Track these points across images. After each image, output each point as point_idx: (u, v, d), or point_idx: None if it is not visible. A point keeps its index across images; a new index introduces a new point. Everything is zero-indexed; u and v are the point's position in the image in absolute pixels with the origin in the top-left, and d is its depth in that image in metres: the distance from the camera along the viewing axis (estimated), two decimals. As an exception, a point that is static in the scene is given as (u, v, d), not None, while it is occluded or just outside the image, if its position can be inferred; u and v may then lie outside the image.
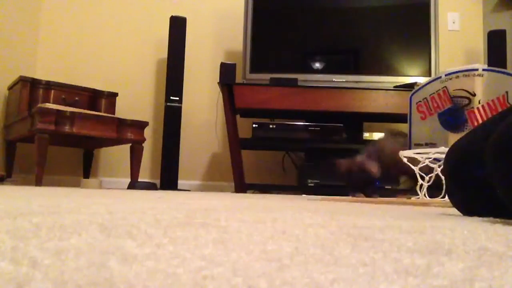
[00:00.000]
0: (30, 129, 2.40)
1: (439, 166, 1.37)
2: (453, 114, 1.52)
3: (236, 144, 2.69)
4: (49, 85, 2.72)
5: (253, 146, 2.77)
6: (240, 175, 2.72)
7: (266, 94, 2.62)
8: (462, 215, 0.78)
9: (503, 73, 1.45)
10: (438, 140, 1.55)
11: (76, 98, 2.77)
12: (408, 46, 2.84)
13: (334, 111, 2.62)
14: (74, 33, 3.23)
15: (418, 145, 1.59)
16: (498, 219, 0.68)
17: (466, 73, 1.49)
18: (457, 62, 3.24)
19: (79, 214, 0.56)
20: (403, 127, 3.13)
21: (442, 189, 1.43)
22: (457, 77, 1.51)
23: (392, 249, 0.34)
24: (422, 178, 1.44)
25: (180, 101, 2.81)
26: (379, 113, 2.62)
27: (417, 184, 1.46)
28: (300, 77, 2.73)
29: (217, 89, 3.12)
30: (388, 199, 1.54)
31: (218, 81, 2.66)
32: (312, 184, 2.56)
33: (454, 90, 1.52)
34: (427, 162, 1.41)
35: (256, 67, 2.80)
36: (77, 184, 2.98)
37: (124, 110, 3.13)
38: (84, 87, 2.85)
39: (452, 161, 0.78)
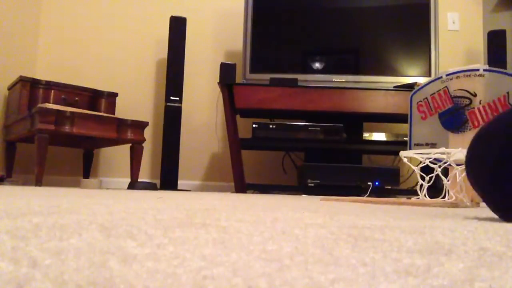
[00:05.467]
0: (30, 129, 2.40)
1: (440, 167, 1.37)
2: (453, 114, 1.51)
3: (236, 144, 2.69)
4: (49, 85, 2.72)
5: (253, 146, 2.77)
6: (240, 175, 2.72)
7: (266, 94, 2.62)
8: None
9: (504, 73, 1.45)
10: (439, 140, 1.55)
11: (76, 98, 2.77)
12: (408, 46, 2.84)
13: (334, 111, 2.62)
14: (74, 33, 3.24)
15: (419, 145, 1.59)
16: (498, 219, 0.67)
17: (467, 73, 1.50)
18: (457, 62, 3.24)
19: (79, 214, 0.56)
20: (403, 127, 3.14)
21: (442, 189, 1.43)
22: (458, 77, 1.51)
23: (392, 249, 0.34)
24: (422, 178, 1.44)
25: (180, 101, 2.81)
26: (379, 113, 2.62)
27: None
28: (300, 77, 2.73)
29: (217, 89, 3.12)
30: (388, 199, 1.54)
31: (218, 81, 2.66)
32: (312, 184, 2.56)
33: (455, 90, 1.52)
34: (427, 162, 1.41)
35: (256, 67, 2.81)
36: (77, 184, 2.98)
37: (124, 110, 3.13)
38: (84, 87, 2.85)
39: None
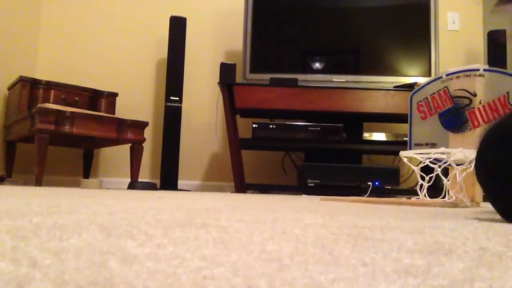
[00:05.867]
0: (30, 129, 2.40)
1: (440, 167, 1.37)
2: (454, 114, 1.51)
3: (236, 144, 2.69)
4: (49, 85, 2.72)
5: (253, 146, 2.77)
6: (240, 175, 2.72)
7: (266, 94, 2.62)
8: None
9: (504, 73, 1.45)
10: (439, 140, 1.55)
11: (76, 98, 2.77)
12: (408, 46, 2.84)
13: (334, 111, 2.62)
14: (74, 33, 3.24)
15: (419, 145, 1.59)
16: (498, 219, 0.67)
17: (467, 73, 1.50)
18: (457, 62, 3.24)
19: (79, 214, 0.56)
20: (403, 127, 3.14)
21: (442, 189, 1.43)
22: (458, 77, 1.51)
23: (392, 249, 0.34)
24: (422, 178, 1.44)
25: (180, 101, 2.81)
26: (379, 113, 2.62)
27: None
28: (300, 77, 2.73)
29: (217, 89, 3.12)
30: (388, 199, 1.54)
31: (218, 81, 2.66)
32: (312, 184, 2.56)
33: (455, 90, 1.52)
34: (427, 162, 1.41)
35: (256, 67, 2.81)
36: (77, 184, 2.98)
37: (124, 110, 3.13)
38: (84, 87, 2.85)
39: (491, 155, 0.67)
